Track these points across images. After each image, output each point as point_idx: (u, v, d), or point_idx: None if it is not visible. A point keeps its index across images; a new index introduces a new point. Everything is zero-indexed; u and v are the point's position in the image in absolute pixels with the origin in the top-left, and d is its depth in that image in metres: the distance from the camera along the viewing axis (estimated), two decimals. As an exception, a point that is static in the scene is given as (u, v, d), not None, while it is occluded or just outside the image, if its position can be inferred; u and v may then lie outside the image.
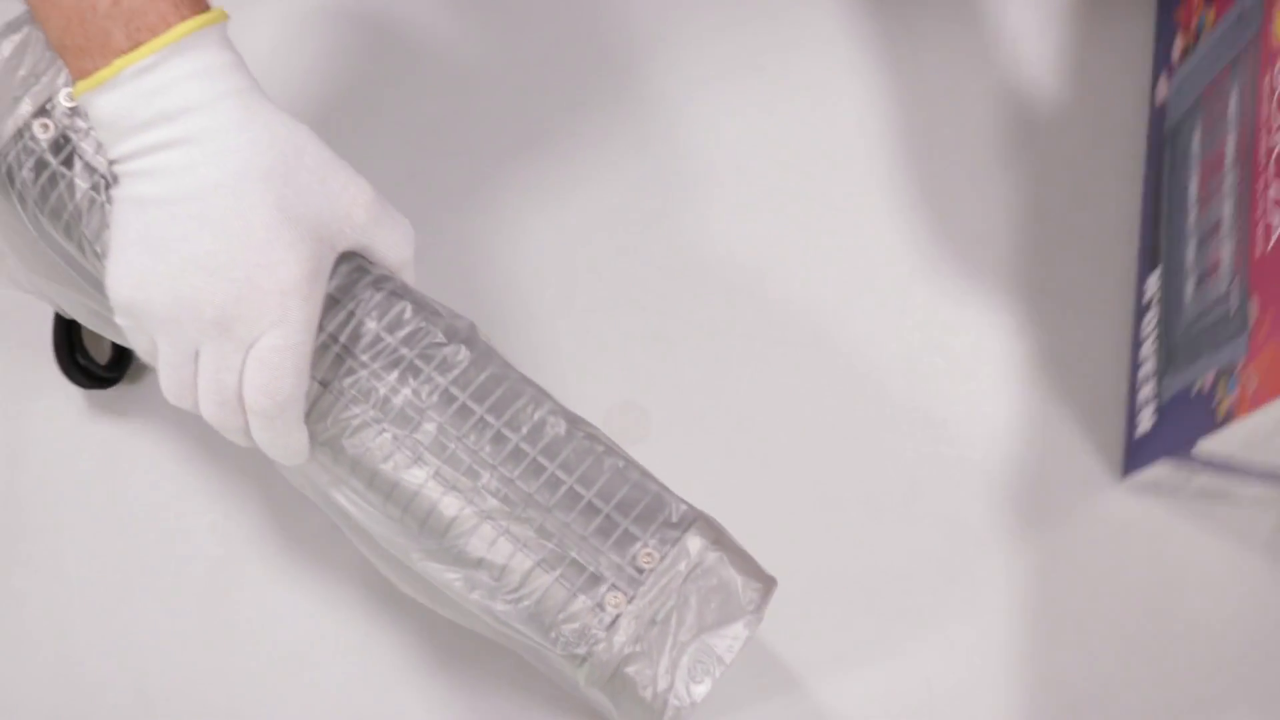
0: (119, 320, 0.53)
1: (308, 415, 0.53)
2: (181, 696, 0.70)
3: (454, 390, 0.53)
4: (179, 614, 0.72)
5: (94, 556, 0.73)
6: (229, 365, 0.51)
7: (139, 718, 0.70)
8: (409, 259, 0.56)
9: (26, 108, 0.55)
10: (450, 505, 0.52)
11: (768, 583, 0.53)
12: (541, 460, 0.53)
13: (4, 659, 0.71)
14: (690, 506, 0.54)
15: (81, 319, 0.62)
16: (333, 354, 0.54)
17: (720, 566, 0.52)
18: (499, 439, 0.53)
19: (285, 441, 0.53)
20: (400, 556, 0.54)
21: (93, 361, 0.73)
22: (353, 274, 0.55)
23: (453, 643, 0.71)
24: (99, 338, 0.74)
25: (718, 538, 0.53)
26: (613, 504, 0.52)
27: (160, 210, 0.49)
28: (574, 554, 0.52)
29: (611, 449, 0.54)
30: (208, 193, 0.49)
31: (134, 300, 0.51)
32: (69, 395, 0.75)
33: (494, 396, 0.53)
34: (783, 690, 0.71)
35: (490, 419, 0.53)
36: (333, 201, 0.51)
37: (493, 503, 0.52)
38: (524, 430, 0.53)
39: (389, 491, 0.53)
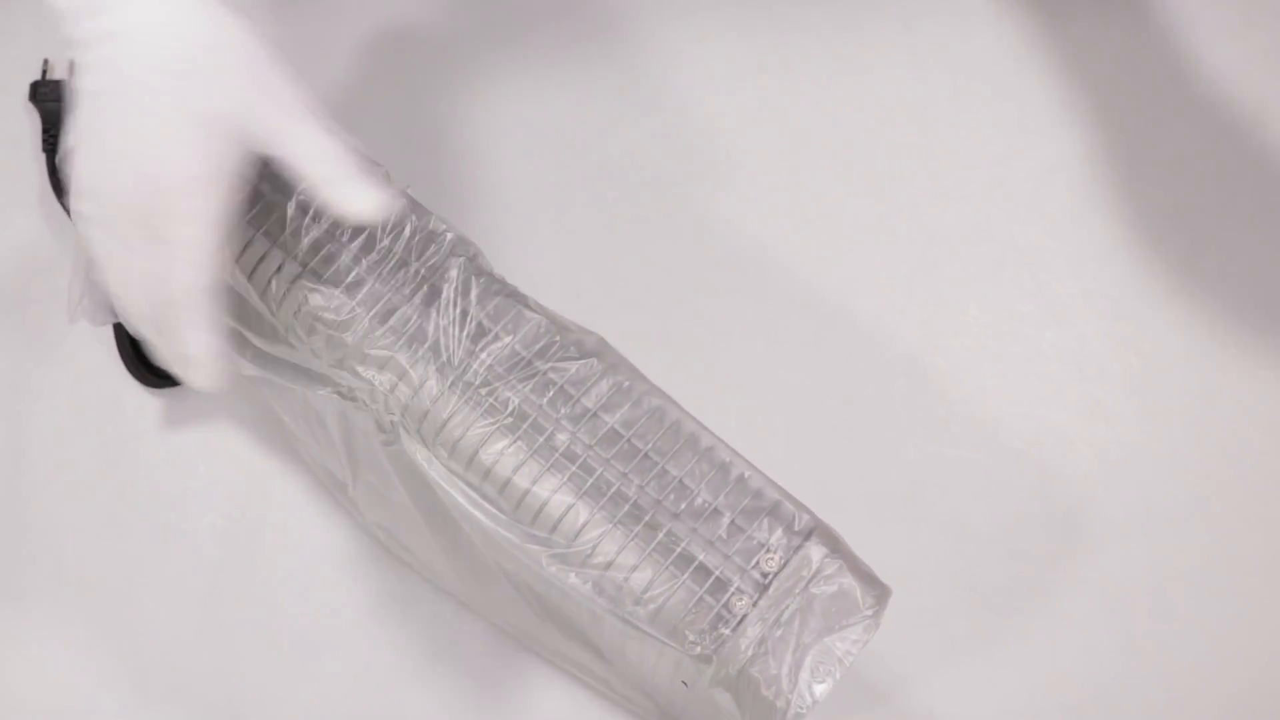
0: (75, 206, 0.53)
1: (444, 425, 0.56)
2: (182, 696, 0.70)
3: (585, 402, 0.56)
4: (179, 614, 0.72)
5: (94, 557, 0.73)
6: (145, 257, 0.52)
7: (139, 717, 0.70)
8: (335, 178, 0.54)
9: None
10: (581, 512, 0.55)
11: (884, 591, 0.56)
12: (669, 469, 0.55)
13: (5, 658, 0.71)
14: (812, 515, 0.56)
15: None
16: (470, 366, 0.56)
17: (840, 574, 0.55)
18: (629, 449, 0.55)
19: (181, 340, 0.53)
20: (528, 562, 0.56)
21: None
22: (490, 287, 0.58)
23: (454, 644, 0.71)
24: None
25: (836, 546, 0.56)
26: (738, 511, 0.55)
27: (96, 103, 0.51)
28: (701, 558, 0.54)
29: (736, 457, 0.57)
30: (127, 88, 0.50)
31: (85, 192, 0.52)
32: (69, 396, 0.75)
33: (624, 408, 0.56)
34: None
35: (620, 429, 0.56)
36: (248, 101, 0.52)
37: (622, 509, 0.55)
38: (652, 440, 0.56)
39: (521, 498, 0.55)
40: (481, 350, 0.57)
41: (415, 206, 0.60)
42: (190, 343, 0.53)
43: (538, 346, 0.57)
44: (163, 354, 0.55)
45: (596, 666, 0.64)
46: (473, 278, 0.58)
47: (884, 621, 0.72)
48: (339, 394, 0.58)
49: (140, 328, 0.55)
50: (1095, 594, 0.73)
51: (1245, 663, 0.72)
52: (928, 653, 0.72)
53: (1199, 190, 0.83)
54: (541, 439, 0.55)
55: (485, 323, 0.57)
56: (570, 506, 0.55)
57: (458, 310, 0.57)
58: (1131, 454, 0.76)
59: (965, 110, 0.84)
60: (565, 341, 0.57)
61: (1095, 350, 0.78)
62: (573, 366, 0.57)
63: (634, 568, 0.54)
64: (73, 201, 0.53)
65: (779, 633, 0.53)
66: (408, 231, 0.58)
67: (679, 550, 0.54)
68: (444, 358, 0.56)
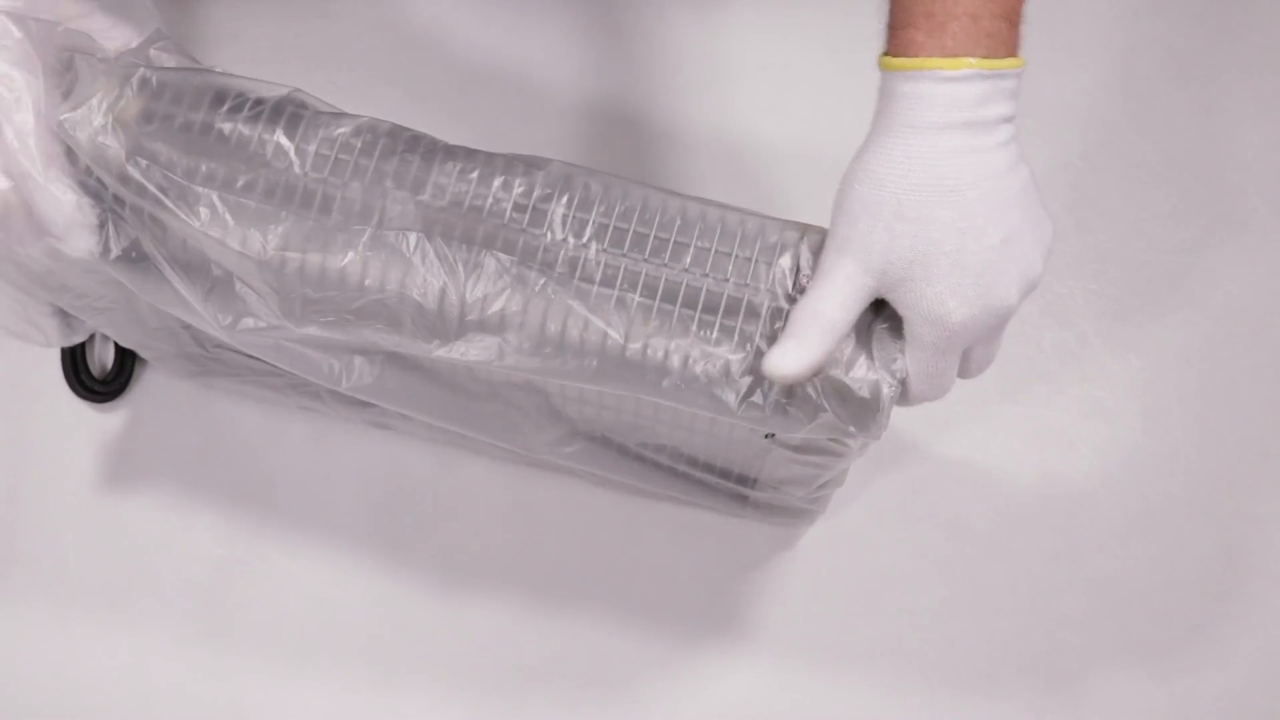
0: None
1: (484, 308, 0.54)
2: (181, 696, 0.70)
3: (604, 221, 0.55)
4: (180, 614, 0.72)
5: (95, 556, 0.73)
6: None
7: (139, 717, 0.70)
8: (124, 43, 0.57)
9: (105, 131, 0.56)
10: (634, 321, 0.53)
11: None
12: (677, 238, 0.55)
13: (5, 658, 0.71)
14: (813, 226, 0.56)
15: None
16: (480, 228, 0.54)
17: None
18: (635, 237, 0.54)
19: (49, 205, 0.53)
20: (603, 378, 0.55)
21: (94, 379, 0.75)
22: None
23: (452, 644, 0.71)
24: (101, 356, 0.76)
25: None
26: (752, 249, 0.54)
27: None
28: (745, 299, 0.53)
29: (716, 205, 0.56)
30: None
31: None
32: (71, 397, 0.75)
33: (610, 205, 0.55)
34: (784, 689, 0.71)
35: (620, 224, 0.55)
36: None
37: (656, 295, 0.54)
38: (636, 220, 0.55)
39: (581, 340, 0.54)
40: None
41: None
42: (63, 203, 0.54)
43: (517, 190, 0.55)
44: (21, 235, 0.54)
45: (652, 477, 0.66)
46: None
47: (883, 621, 0.72)
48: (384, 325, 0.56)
49: None
50: (1095, 594, 0.73)
51: (1246, 663, 0.72)
52: (928, 652, 0.72)
53: (1198, 190, 0.83)
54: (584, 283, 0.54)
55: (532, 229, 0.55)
56: (625, 318, 0.53)
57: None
58: (1131, 454, 0.76)
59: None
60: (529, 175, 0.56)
61: (1095, 350, 0.78)
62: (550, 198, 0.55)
63: (714, 341, 0.53)
64: None
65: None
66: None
67: (732, 303, 0.53)
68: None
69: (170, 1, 0.84)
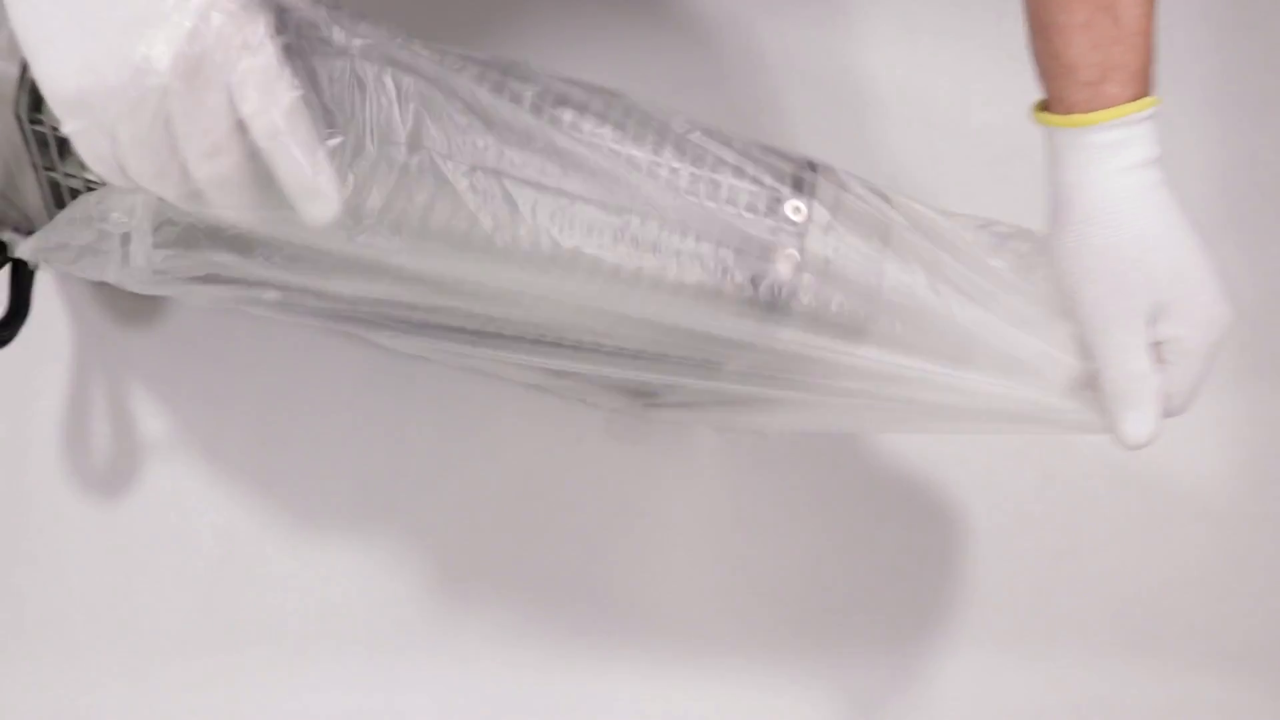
0: (70, 126, 0.45)
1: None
2: (182, 696, 0.70)
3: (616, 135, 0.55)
4: (180, 613, 0.72)
5: (95, 556, 0.73)
6: (216, 110, 0.45)
7: (139, 717, 0.70)
8: None
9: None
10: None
11: (889, 191, 0.58)
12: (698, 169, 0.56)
13: (5, 657, 0.71)
14: (804, 157, 0.58)
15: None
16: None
17: (851, 193, 0.58)
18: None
19: (295, 168, 0.46)
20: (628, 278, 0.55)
21: None
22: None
23: (452, 642, 0.71)
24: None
25: (838, 178, 0.58)
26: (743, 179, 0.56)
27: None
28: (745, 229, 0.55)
29: (705, 136, 0.57)
30: None
31: (83, 89, 0.44)
32: (69, 395, 0.75)
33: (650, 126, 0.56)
34: (785, 689, 0.71)
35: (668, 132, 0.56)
36: None
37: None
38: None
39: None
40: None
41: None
42: (310, 164, 0.47)
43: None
44: (236, 211, 0.48)
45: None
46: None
47: (883, 620, 0.73)
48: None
49: (212, 188, 0.47)
50: (1095, 594, 0.73)
51: (1245, 663, 0.72)
52: (928, 652, 0.72)
53: (1197, 189, 0.83)
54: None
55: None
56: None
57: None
58: (1131, 454, 0.76)
59: (967, 111, 0.84)
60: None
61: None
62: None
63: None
64: (71, 114, 0.45)
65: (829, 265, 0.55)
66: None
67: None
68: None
69: None
